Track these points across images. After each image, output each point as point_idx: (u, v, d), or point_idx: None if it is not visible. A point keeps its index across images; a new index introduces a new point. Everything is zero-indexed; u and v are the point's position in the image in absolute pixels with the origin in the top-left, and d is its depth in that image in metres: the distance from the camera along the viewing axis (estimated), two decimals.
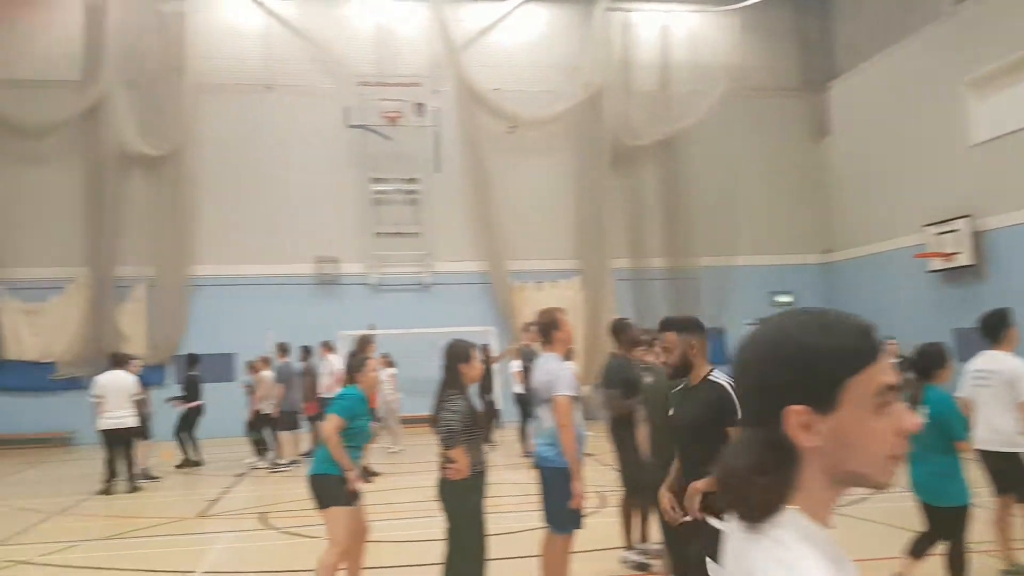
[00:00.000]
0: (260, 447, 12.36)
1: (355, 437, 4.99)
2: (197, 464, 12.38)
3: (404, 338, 16.16)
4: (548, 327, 4.97)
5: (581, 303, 17.89)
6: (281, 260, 17.23)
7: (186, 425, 12.30)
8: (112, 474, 10.31)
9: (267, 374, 12.10)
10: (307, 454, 12.71)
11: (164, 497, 10.27)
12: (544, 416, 4.87)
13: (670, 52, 18.97)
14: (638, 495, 5.98)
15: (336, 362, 12.45)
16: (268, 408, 11.93)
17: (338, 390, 11.76)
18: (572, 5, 18.98)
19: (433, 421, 4.69)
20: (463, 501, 4.60)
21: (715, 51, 18.98)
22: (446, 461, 4.55)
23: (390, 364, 14.25)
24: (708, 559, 3.29)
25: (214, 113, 17.25)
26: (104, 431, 10.22)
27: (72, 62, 16.82)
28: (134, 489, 10.42)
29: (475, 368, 4.73)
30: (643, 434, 5.37)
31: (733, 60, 18.80)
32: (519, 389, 11.93)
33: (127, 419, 10.31)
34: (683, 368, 3.70)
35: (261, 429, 12.26)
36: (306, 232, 17.27)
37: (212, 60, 17.33)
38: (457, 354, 4.68)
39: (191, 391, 12.26)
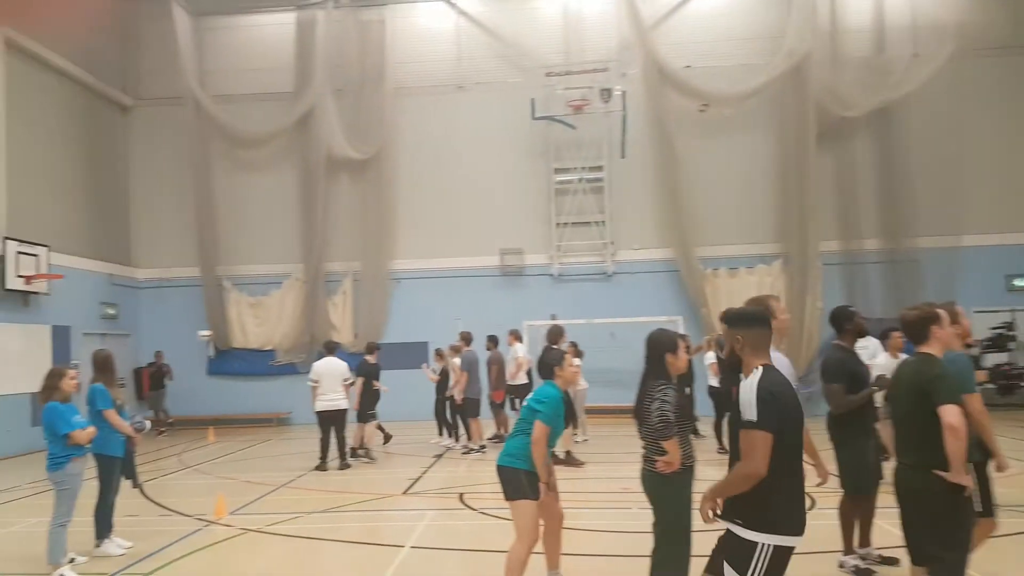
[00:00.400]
0: (450, 429, 13.01)
1: (552, 437, 4.92)
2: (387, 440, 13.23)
3: (586, 328, 16.10)
4: None
5: (782, 290, 16.71)
6: (469, 253, 17.78)
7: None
8: (326, 452, 11.15)
9: (455, 361, 12.54)
10: (494, 438, 13.08)
11: (371, 475, 10.91)
12: None
13: (884, 13, 17.20)
14: (861, 498, 5.53)
15: (521, 350, 12.68)
16: (456, 394, 12.38)
17: (522, 377, 12.25)
18: None
19: (637, 412, 4.48)
20: (673, 495, 4.37)
21: (937, 9, 16.93)
22: (655, 453, 4.33)
23: (579, 354, 14.18)
24: None
25: (410, 115, 18.08)
26: (319, 412, 11.06)
27: (286, 76, 18.35)
28: (345, 466, 11.18)
29: (682, 359, 4.50)
30: (887, 433, 4.87)
31: (962, 17, 16.67)
32: (714, 382, 11.44)
33: (340, 401, 11.08)
34: (737, 363, 3.43)
35: (453, 413, 12.83)
36: (492, 225, 17.68)
37: (409, 65, 18.16)
38: (663, 343, 4.46)
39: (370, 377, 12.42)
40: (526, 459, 4.84)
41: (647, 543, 4.49)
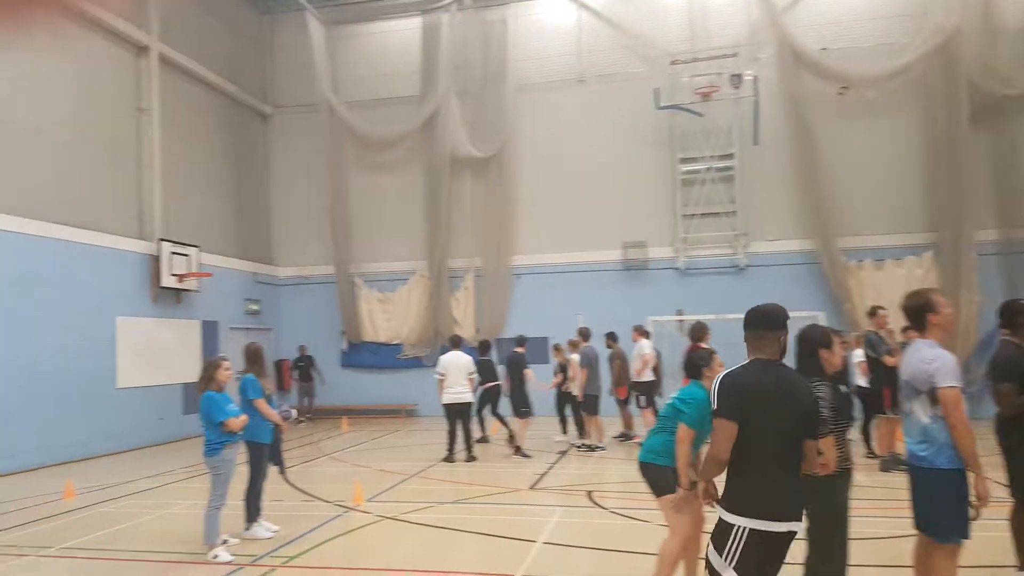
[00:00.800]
0: (564, 424, 13.03)
1: (697, 440, 4.74)
2: (484, 441, 13.11)
3: (716, 324, 15.51)
4: (921, 310, 4.32)
5: (934, 282, 15.42)
6: (591, 247, 17.59)
7: (487, 403, 12.80)
8: (453, 443, 11.34)
9: (574, 357, 12.43)
10: (619, 437, 12.86)
11: (497, 469, 10.99)
12: (917, 411, 4.24)
13: None
14: None
15: (647, 347, 12.38)
16: (575, 390, 12.27)
17: (648, 374, 11.97)
18: None
19: (868, 413, 4.36)
20: (828, 499, 4.11)
21: None
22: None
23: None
24: None
25: (531, 112, 18.12)
26: (446, 405, 11.27)
27: (412, 79, 18.85)
28: (471, 458, 11.33)
29: (837, 355, 4.26)
30: None
31: None
32: (862, 382, 10.72)
33: (465, 394, 11.26)
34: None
35: (571, 409, 12.77)
36: (614, 218, 17.40)
37: (530, 61, 18.21)
38: (817, 339, 4.22)
39: (486, 373, 12.39)
40: (671, 456, 4.73)
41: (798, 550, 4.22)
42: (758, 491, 3.33)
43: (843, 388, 4.57)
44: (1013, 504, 5.07)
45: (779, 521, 3.29)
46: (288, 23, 19.59)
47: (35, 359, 11.87)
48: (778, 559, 3.36)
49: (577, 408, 12.55)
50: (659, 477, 4.85)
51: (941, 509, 4.13)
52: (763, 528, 3.27)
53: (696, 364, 4.93)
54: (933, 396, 4.15)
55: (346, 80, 19.32)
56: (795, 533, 3.33)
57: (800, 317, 14.88)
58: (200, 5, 17.31)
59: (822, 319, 15.28)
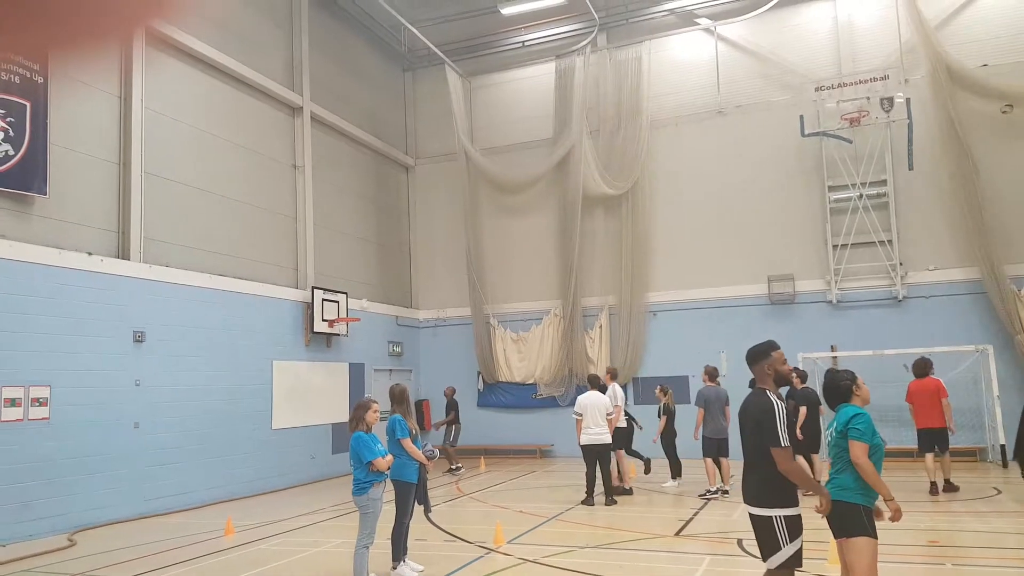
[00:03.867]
0: (674, 469, 12.65)
1: (872, 456, 4.48)
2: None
3: (874, 360, 14.51)
4: None
5: None
6: (733, 281, 16.99)
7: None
8: (592, 486, 11.11)
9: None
10: None
11: (638, 513, 10.65)
12: None
13: None
14: None
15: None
16: (695, 433, 11.86)
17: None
18: None
19: (1018, 455, 4.00)
20: None
21: None
22: None
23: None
24: None
25: (666, 146, 17.95)
26: (584, 446, 11.10)
27: (546, 123, 19.23)
28: (612, 502, 11.05)
29: None
30: None
31: None
32: None
33: (604, 436, 11.06)
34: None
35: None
36: (758, 251, 16.76)
37: (665, 97, 18.11)
38: None
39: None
40: (861, 492, 4.49)
41: None
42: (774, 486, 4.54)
43: None
44: None
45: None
46: (428, 77, 20.60)
47: (201, 402, 12.80)
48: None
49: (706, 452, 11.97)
50: (848, 513, 4.52)
51: None
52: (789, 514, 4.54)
53: (843, 388, 4.83)
54: None
55: (482, 128, 19.99)
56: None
57: (966, 352, 13.81)
58: (347, 66, 18.54)
59: (991, 353, 13.96)
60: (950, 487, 11.15)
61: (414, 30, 18.47)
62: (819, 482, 4.70)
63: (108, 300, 11.25)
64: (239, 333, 13.78)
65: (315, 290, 15.67)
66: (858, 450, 4.46)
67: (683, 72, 18.13)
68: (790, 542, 4.50)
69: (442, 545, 8.63)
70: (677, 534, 8.97)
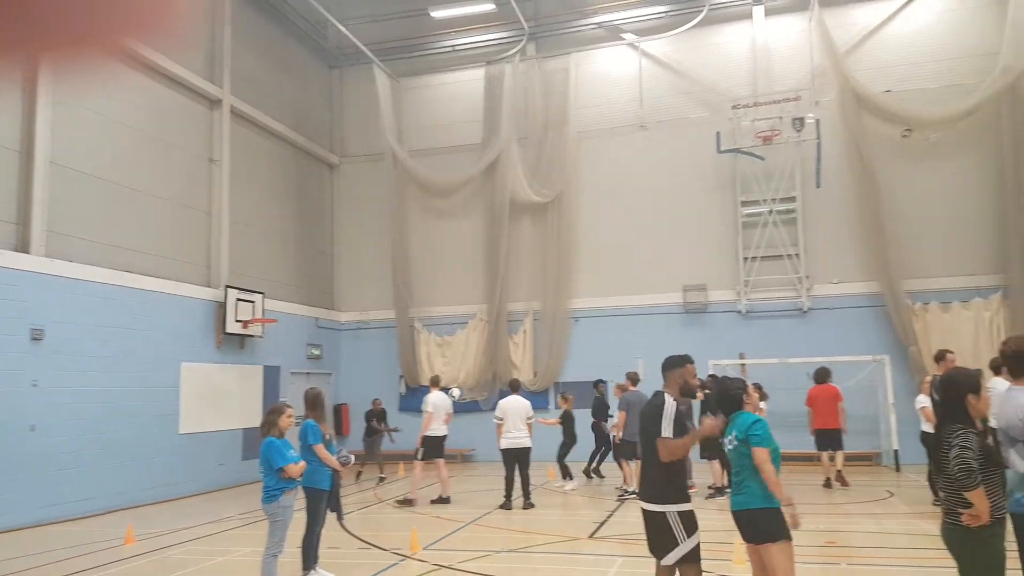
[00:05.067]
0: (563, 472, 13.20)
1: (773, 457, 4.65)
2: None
3: (779, 368, 15.15)
4: (1022, 355, 4.26)
5: (1002, 325, 14.92)
6: (651, 290, 17.42)
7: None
8: (511, 490, 11.18)
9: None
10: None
11: (555, 516, 10.78)
12: (1014, 460, 4.12)
13: None
14: None
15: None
16: (615, 434, 12.23)
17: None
18: None
19: (934, 461, 4.22)
20: (981, 551, 3.95)
21: None
22: (958, 505, 3.97)
23: (764, 396, 13.40)
24: None
25: (592, 157, 18.26)
26: (504, 450, 11.17)
27: (474, 128, 19.26)
28: (530, 505, 11.15)
29: (985, 401, 4.12)
30: None
31: None
32: (927, 428, 10.26)
33: (524, 439, 11.16)
34: None
35: (617, 455, 12.62)
36: (675, 261, 17.25)
37: (591, 109, 18.44)
38: (965, 384, 4.11)
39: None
40: (771, 496, 4.61)
41: None
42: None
43: (989, 437, 4.42)
44: None
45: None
46: (356, 76, 20.31)
47: (103, 404, 12.23)
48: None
49: (615, 453, 12.42)
50: (763, 519, 4.60)
51: None
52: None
53: (735, 397, 4.93)
54: None
55: (410, 129, 19.85)
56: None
57: (865, 361, 14.61)
58: (271, 60, 18.11)
59: (887, 363, 14.79)
60: (842, 480, 12.33)
61: (341, 27, 18.21)
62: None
63: (3, 295, 10.63)
64: (146, 332, 13.24)
65: (229, 289, 15.21)
66: (761, 455, 4.58)
67: (609, 85, 18.51)
68: (687, 537, 4.67)
69: (356, 552, 8.52)
70: (591, 536, 9.12)
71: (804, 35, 17.10)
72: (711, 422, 4.90)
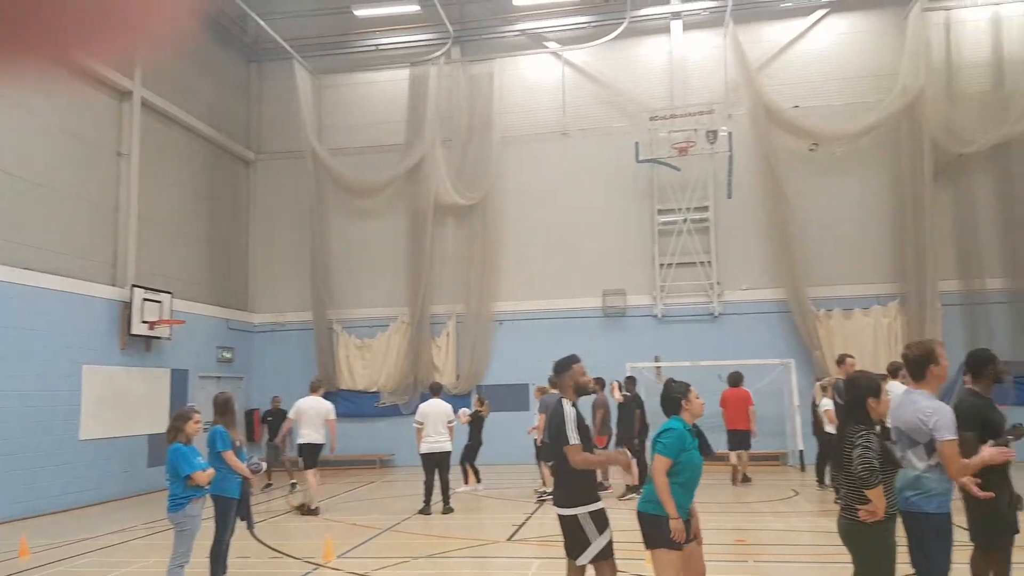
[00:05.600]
0: (465, 475, 13.31)
1: (686, 471, 4.64)
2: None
3: (692, 370, 15.60)
4: (924, 360, 4.48)
5: (899, 332, 15.88)
6: (572, 294, 17.67)
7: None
8: (430, 495, 11.10)
9: (539, 404, 12.53)
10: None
11: (474, 520, 10.77)
12: (912, 460, 4.37)
13: (1003, 47, 16.35)
14: (994, 554, 5.03)
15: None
16: (537, 436, 12.30)
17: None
18: (879, 11, 17.29)
19: (835, 459, 4.42)
20: (876, 545, 4.15)
21: None
22: (856, 502, 4.15)
23: None
24: None
25: (515, 162, 18.38)
26: (424, 455, 11.07)
27: (398, 128, 19.06)
28: (449, 510, 11.10)
29: (885, 403, 4.34)
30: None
31: None
32: (830, 429, 10.77)
33: (444, 443, 11.09)
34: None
35: (538, 457, 12.73)
36: (594, 266, 17.55)
37: (515, 114, 18.57)
38: (866, 387, 4.31)
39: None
40: (658, 503, 4.61)
41: None
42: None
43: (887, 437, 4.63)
44: (974, 548, 5.11)
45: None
46: (275, 71, 19.78)
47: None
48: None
49: (537, 455, 12.53)
50: (654, 525, 4.60)
51: (933, 553, 4.27)
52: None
53: (674, 398, 4.83)
54: (931, 447, 4.30)
55: (331, 128, 19.48)
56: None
57: (772, 365, 15.24)
58: (187, 53, 17.41)
59: (792, 366, 15.47)
60: (746, 479, 13.22)
61: (261, 22, 17.72)
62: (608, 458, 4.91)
63: None
64: (46, 333, 12.54)
65: (135, 288, 14.56)
66: (659, 464, 4.57)
67: (533, 92, 18.69)
68: (599, 535, 4.75)
69: (267, 562, 8.28)
70: (510, 539, 9.15)
71: (719, 50, 17.73)
72: (623, 459, 4.98)
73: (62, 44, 0.70)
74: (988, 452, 4.51)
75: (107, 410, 13.84)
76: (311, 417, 11.49)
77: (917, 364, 4.52)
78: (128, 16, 0.71)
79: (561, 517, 4.89)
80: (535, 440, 12.80)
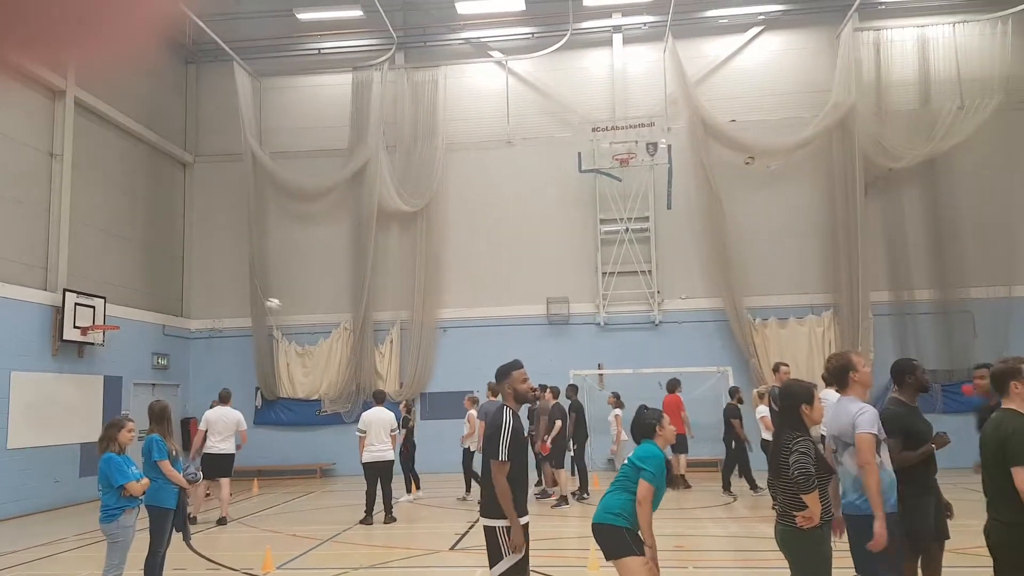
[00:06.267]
0: (412, 482, 13.31)
1: (656, 498, 4.69)
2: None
3: (633, 378, 15.93)
4: (844, 370, 4.73)
5: (833, 341, 16.51)
6: (516, 302, 17.79)
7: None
8: (372, 505, 11.02)
9: (472, 412, 12.60)
10: (539, 495, 12.78)
11: (416, 529, 10.74)
12: (848, 463, 4.56)
13: (929, 67, 17.23)
14: (924, 559, 5.29)
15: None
16: (471, 444, 12.33)
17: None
18: (813, 29, 18.01)
19: (772, 466, 4.51)
20: (812, 551, 4.26)
21: (983, 62, 16.91)
22: (793, 508, 4.25)
23: (620, 404, 14.14)
24: None
25: (459, 170, 18.44)
26: (366, 464, 10.99)
27: (341, 133, 18.91)
28: (391, 520, 11.04)
29: (819, 410, 4.48)
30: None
31: (1007, 70, 16.67)
32: (767, 436, 11.11)
33: (387, 452, 11.03)
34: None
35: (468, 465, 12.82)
36: (538, 274, 17.72)
37: (459, 121, 18.64)
38: (800, 395, 4.45)
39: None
40: (629, 517, 4.62)
41: None
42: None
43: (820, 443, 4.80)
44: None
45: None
46: (213, 72, 19.40)
47: None
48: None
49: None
50: (615, 536, 4.63)
51: (878, 553, 4.38)
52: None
53: (648, 424, 4.85)
54: None
55: (273, 131, 19.21)
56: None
57: (709, 372, 15.67)
58: (133, 60, 16.90)
59: (730, 373, 15.90)
60: (686, 485, 13.57)
61: (200, 22, 17.37)
62: (514, 512, 4.68)
63: None
64: None
65: (67, 293, 14.08)
66: (645, 491, 4.57)
67: (477, 100, 18.80)
68: (512, 552, 4.67)
69: (204, 574, 8.11)
70: (452, 548, 9.16)
71: (658, 64, 18.16)
72: (519, 542, 4.66)
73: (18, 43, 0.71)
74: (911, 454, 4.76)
75: (37, 418, 13.33)
76: (220, 428, 11.38)
77: (838, 374, 4.77)
78: (103, 24, 0.73)
79: (484, 527, 4.84)
80: (467, 448, 12.78)
